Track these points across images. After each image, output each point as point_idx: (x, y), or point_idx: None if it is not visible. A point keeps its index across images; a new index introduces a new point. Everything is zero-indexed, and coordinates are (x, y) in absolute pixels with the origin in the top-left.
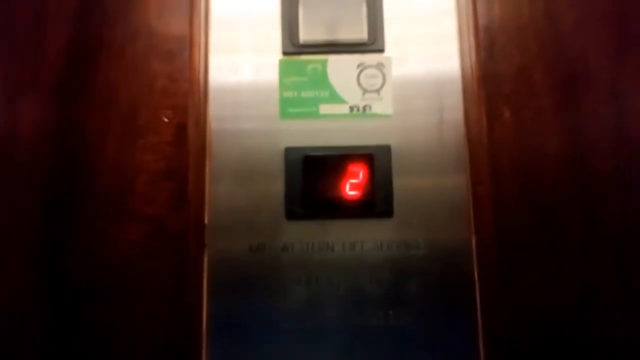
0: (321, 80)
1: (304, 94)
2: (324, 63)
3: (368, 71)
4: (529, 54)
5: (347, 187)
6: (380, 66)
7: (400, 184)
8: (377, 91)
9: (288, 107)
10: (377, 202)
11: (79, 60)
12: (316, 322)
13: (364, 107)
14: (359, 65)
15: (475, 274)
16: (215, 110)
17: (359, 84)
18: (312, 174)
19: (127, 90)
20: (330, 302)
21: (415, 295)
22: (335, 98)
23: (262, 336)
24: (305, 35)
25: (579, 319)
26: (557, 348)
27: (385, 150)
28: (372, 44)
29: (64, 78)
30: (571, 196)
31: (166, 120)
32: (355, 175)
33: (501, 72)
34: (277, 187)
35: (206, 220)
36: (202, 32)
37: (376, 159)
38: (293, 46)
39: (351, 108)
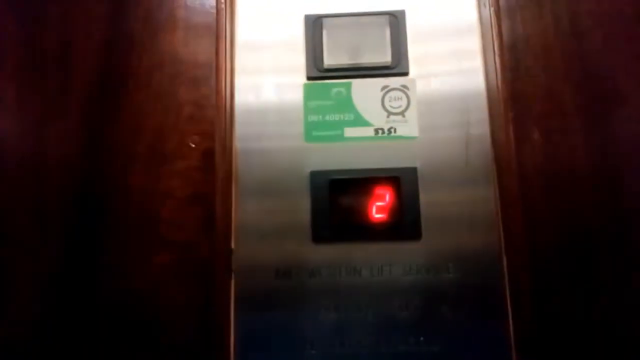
0: (346, 103)
1: (328, 118)
2: (348, 87)
3: (392, 94)
4: (556, 74)
5: (374, 210)
6: (404, 88)
7: (427, 205)
8: (402, 113)
9: (313, 130)
10: (405, 225)
11: (106, 88)
12: (345, 349)
13: (389, 130)
14: (383, 88)
15: (507, 294)
16: (242, 137)
17: (383, 106)
18: (338, 197)
19: (154, 117)
20: (359, 328)
21: (447, 320)
22: (360, 121)
23: None
24: (329, 59)
25: (609, 334)
26: None
27: (412, 172)
28: (396, 67)
29: (92, 106)
30: (604, 218)
31: (193, 145)
32: (382, 198)
33: (528, 93)
34: (304, 210)
35: (233, 245)
36: (228, 59)
37: (402, 181)
38: (317, 70)
39: (376, 131)
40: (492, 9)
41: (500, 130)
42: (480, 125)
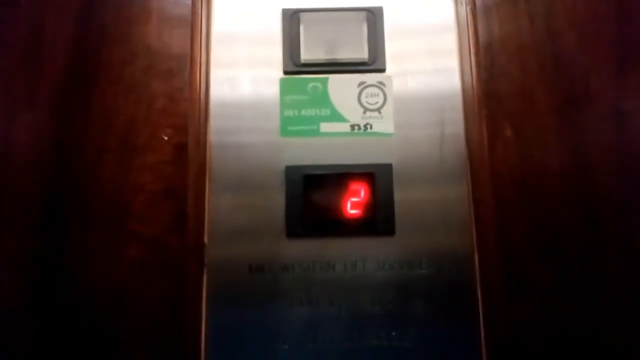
0: (322, 98)
1: (304, 112)
2: (324, 82)
3: (369, 90)
4: (530, 73)
5: (349, 205)
6: (381, 85)
7: (402, 202)
8: (378, 110)
9: (288, 125)
10: (379, 221)
11: (77, 80)
12: (317, 344)
13: (365, 126)
14: (359, 84)
15: (479, 292)
16: (216, 131)
17: (359, 102)
18: (312, 193)
19: (125, 110)
20: (332, 323)
21: (419, 315)
22: (336, 116)
23: (262, 359)
24: (306, 54)
25: (580, 335)
26: None
27: (387, 168)
28: (373, 63)
29: (62, 98)
30: (574, 214)
31: (165, 138)
32: (357, 194)
33: (502, 91)
34: (278, 205)
35: (205, 240)
36: (203, 51)
37: (377, 177)
38: (294, 65)
39: (352, 127)
40: (468, 7)
41: (474, 127)
42: (455, 123)
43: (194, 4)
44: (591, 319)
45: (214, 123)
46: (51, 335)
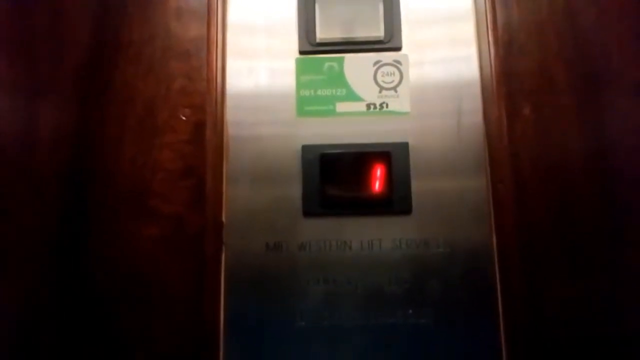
0: (338, 78)
1: (320, 92)
2: (340, 61)
3: (385, 69)
4: (549, 51)
5: (365, 184)
6: (397, 63)
7: (418, 181)
8: (394, 88)
9: (305, 105)
10: (395, 200)
11: (97, 60)
12: (334, 321)
13: (381, 105)
14: (375, 63)
15: (497, 273)
16: (233, 110)
17: (375, 81)
18: (329, 172)
19: (145, 90)
20: (348, 301)
21: (436, 294)
22: (351, 96)
23: (279, 336)
24: (321, 33)
25: (601, 319)
26: (579, 347)
27: (403, 147)
28: (389, 41)
29: (83, 78)
30: (594, 194)
31: (184, 118)
32: (373, 173)
33: (521, 69)
34: (294, 185)
35: (224, 219)
36: (220, 33)
37: (394, 156)
38: (310, 45)
39: (368, 106)
40: None
41: (492, 106)
42: (472, 101)
43: None
44: (608, 297)
45: (230, 102)
46: (74, 313)
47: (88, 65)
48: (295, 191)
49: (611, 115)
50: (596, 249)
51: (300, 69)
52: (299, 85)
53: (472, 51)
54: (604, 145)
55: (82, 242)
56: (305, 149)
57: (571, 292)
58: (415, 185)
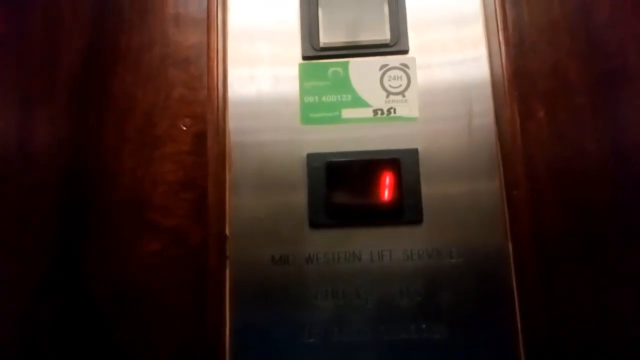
0: (343, 83)
1: (325, 99)
2: (345, 66)
3: (392, 73)
4: (563, 50)
5: (373, 193)
6: (404, 67)
7: (429, 189)
8: (402, 93)
9: (309, 112)
10: (406, 209)
11: (94, 68)
12: (343, 337)
13: (389, 110)
14: (382, 67)
15: (514, 282)
16: (235, 120)
17: (382, 86)
18: (335, 181)
19: (143, 99)
20: (358, 316)
21: (450, 306)
22: (358, 102)
23: (287, 352)
24: (325, 38)
25: (621, 325)
26: (600, 356)
27: (413, 153)
28: (395, 44)
29: (80, 87)
30: (612, 198)
31: (184, 128)
32: (381, 181)
33: (533, 70)
34: (300, 195)
35: (227, 231)
36: (220, 39)
37: (403, 163)
38: (313, 50)
39: (375, 111)
40: None
41: (504, 108)
42: (483, 103)
43: None
44: (629, 309)
45: (232, 111)
46: (73, 328)
47: (84, 73)
48: (301, 201)
49: (628, 115)
50: (617, 254)
51: (304, 74)
52: (303, 91)
53: (481, 52)
54: (621, 145)
55: (80, 257)
56: (311, 157)
57: (593, 300)
58: (426, 193)
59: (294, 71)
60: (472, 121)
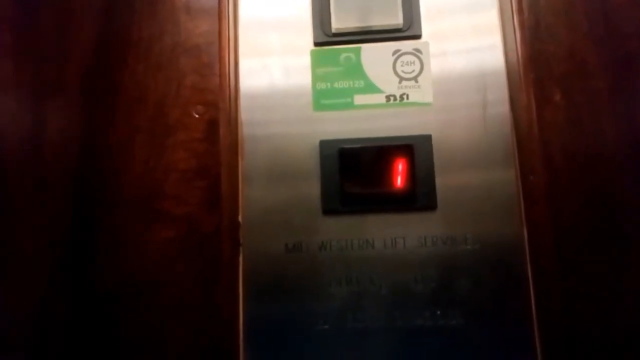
0: (355, 69)
1: (337, 85)
2: (357, 52)
3: (404, 58)
4: (579, 33)
5: (387, 179)
6: (417, 52)
7: (443, 175)
8: (415, 79)
9: (322, 98)
10: (419, 195)
11: (105, 58)
12: (358, 323)
13: (402, 96)
14: (394, 52)
15: (529, 269)
16: (247, 107)
17: (395, 71)
18: (348, 167)
19: (155, 88)
20: (372, 302)
21: (464, 293)
22: (370, 88)
23: (301, 339)
24: (337, 23)
25: (638, 314)
26: (615, 346)
27: (426, 139)
28: (408, 29)
29: (91, 77)
30: (631, 184)
31: (197, 115)
32: (395, 167)
33: (549, 53)
34: (313, 182)
35: (240, 219)
36: (231, 26)
37: (416, 149)
38: (325, 35)
39: (388, 97)
40: None
41: (519, 93)
42: (498, 88)
43: None
44: None
45: (244, 98)
46: (85, 319)
47: (96, 64)
48: (314, 188)
49: None
50: (635, 243)
51: (316, 61)
52: (315, 78)
53: (496, 38)
54: (638, 130)
55: (92, 247)
56: (323, 144)
57: (609, 288)
58: (440, 179)
59: (306, 57)
60: (486, 109)
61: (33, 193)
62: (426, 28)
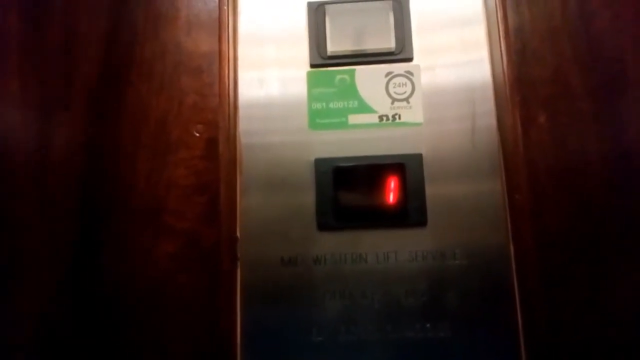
0: (349, 90)
1: (332, 105)
2: (351, 73)
3: (397, 80)
4: (564, 57)
5: (379, 196)
6: (408, 74)
7: (433, 192)
8: (407, 100)
9: (317, 118)
10: (410, 211)
11: (110, 78)
12: (351, 336)
13: (394, 116)
14: (387, 75)
15: (515, 283)
16: (245, 124)
17: (387, 92)
18: (343, 185)
19: (157, 107)
20: (365, 315)
21: (454, 306)
22: (364, 108)
23: (296, 350)
24: (332, 46)
25: (623, 328)
26: (600, 356)
27: (417, 158)
28: (400, 52)
29: (96, 96)
30: (612, 202)
31: (197, 134)
32: (387, 185)
33: (535, 76)
34: (308, 198)
35: (238, 233)
36: (231, 47)
37: (408, 167)
38: (321, 58)
39: (380, 117)
40: None
41: (506, 114)
42: (486, 110)
43: (220, 0)
44: (631, 311)
45: (242, 118)
46: (89, 328)
47: (100, 82)
48: (309, 204)
49: (629, 121)
50: (617, 257)
51: (312, 82)
52: (311, 98)
53: (484, 54)
54: (622, 151)
55: (98, 260)
56: (319, 162)
57: (592, 301)
58: (430, 196)
59: (302, 79)
60: (475, 122)
61: (39, 206)
62: (417, 47)
